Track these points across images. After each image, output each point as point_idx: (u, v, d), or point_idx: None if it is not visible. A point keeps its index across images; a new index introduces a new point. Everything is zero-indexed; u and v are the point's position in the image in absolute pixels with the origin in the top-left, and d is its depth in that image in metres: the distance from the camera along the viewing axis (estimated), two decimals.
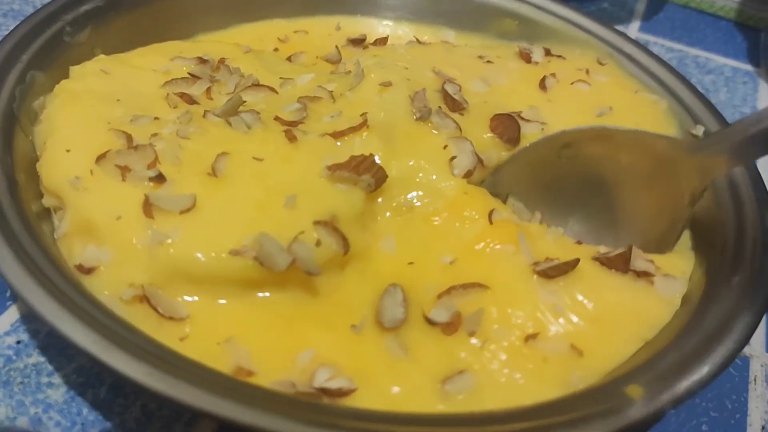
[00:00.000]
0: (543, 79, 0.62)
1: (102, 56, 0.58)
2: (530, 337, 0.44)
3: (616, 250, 0.48)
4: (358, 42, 0.70)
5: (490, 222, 0.49)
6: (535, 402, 0.41)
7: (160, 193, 0.45)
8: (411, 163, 0.52)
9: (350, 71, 0.58)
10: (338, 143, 0.52)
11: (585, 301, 0.45)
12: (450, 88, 0.57)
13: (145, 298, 0.44)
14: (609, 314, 0.45)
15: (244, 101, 0.54)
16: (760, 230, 0.50)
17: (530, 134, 0.57)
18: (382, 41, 0.68)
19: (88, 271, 0.45)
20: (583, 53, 0.69)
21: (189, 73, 0.57)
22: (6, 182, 0.45)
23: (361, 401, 0.41)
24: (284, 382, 0.41)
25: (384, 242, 0.50)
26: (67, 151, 0.48)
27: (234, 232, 0.44)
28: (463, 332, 0.45)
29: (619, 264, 0.47)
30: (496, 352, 0.44)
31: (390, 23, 0.76)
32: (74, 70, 0.56)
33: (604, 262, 0.47)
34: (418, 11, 0.76)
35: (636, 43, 0.69)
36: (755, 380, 0.53)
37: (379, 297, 0.46)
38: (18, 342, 0.47)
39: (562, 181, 0.54)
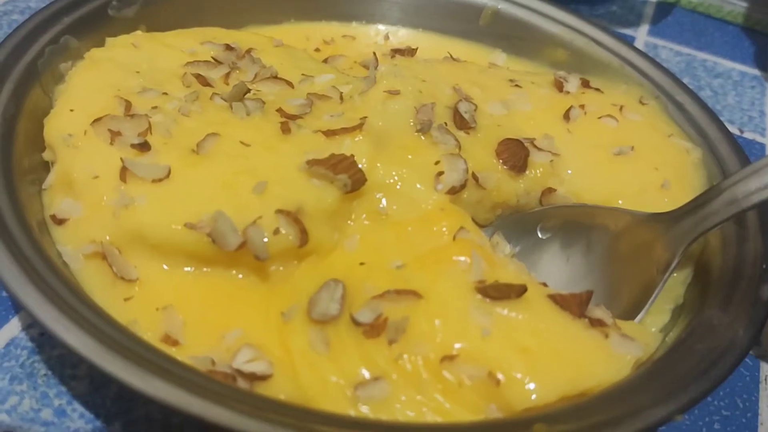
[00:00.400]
0: (569, 110, 0.60)
1: (138, 32, 0.61)
2: (447, 358, 0.42)
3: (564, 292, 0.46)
4: (402, 52, 0.70)
5: (453, 238, 0.48)
6: (443, 422, 0.40)
7: (137, 160, 0.47)
8: (396, 172, 0.51)
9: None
10: (329, 142, 0.52)
11: (521, 332, 0.42)
12: (462, 106, 0.56)
13: (103, 256, 0.46)
14: (542, 351, 0.41)
15: (250, 89, 0.55)
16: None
17: (539, 163, 0.56)
18: (411, 52, 0.68)
19: (60, 221, 0.47)
20: (627, 90, 0.66)
21: (213, 57, 0.59)
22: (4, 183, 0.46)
23: (274, 389, 0.41)
24: (204, 357, 0.42)
25: (348, 241, 0.50)
26: (71, 110, 0.51)
27: (195, 206, 0.46)
28: (384, 338, 0.43)
29: (574, 306, 0.44)
30: (413, 366, 0.42)
31: (440, 39, 0.75)
32: (109, 41, 0.59)
33: (559, 300, 0.45)
34: (472, 31, 0.76)
35: (688, 90, 0.66)
36: (766, 380, 0.54)
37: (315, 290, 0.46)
38: (41, 334, 0.48)
39: (542, 244, 0.55)
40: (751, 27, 1.00)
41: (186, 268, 0.46)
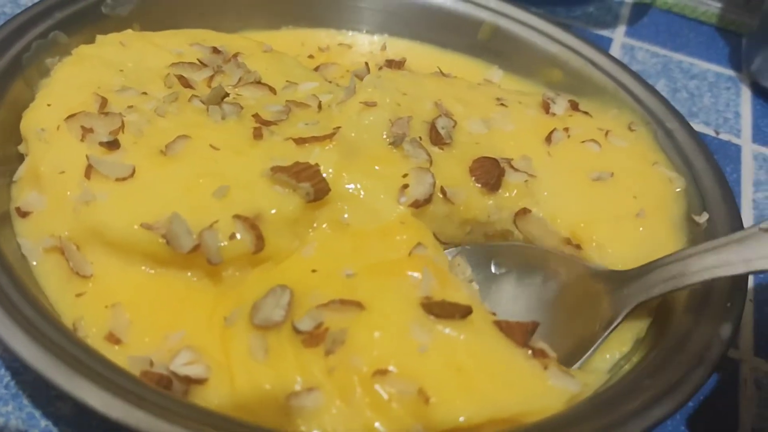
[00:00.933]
0: (551, 132, 0.59)
1: (129, 30, 0.62)
2: (380, 372, 0.41)
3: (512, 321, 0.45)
4: (396, 64, 0.70)
5: (409, 254, 0.48)
6: None
7: (103, 158, 0.48)
8: (361, 183, 0.51)
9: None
10: (298, 149, 0.52)
11: (459, 352, 0.42)
12: (440, 122, 0.56)
13: (61, 250, 0.46)
14: (477, 373, 0.41)
15: (228, 94, 0.56)
16: None
17: (513, 183, 0.55)
18: (398, 64, 0.68)
19: (24, 214, 0.48)
20: (618, 114, 0.65)
21: (198, 60, 0.60)
22: None
23: (208, 394, 0.41)
24: (143, 358, 0.42)
25: (306, 248, 0.50)
26: (48, 105, 0.52)
27: (155, 207, 0.46)
28: (322, 349, 0.42)
29: (518, 334, 0.43)
30: (346, 378, 0.41)
31: (437, 52, 0.75)
32: (99, 38, 0.60)
33: (504, 327, 0.44)
34: (470, 46, 0.75)
35: (680, 117, 0.64)
36: (745, 383, 0.56)
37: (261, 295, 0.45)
38: None
39: (495, 278, 0.54)
40: (724, 27, 1.00)
41: (141, 268, 0.47)
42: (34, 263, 0.47)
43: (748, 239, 0.45)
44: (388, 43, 0.75)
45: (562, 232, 0.54)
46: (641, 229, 0.54)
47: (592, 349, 0.49)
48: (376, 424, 0.40)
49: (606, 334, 0.49)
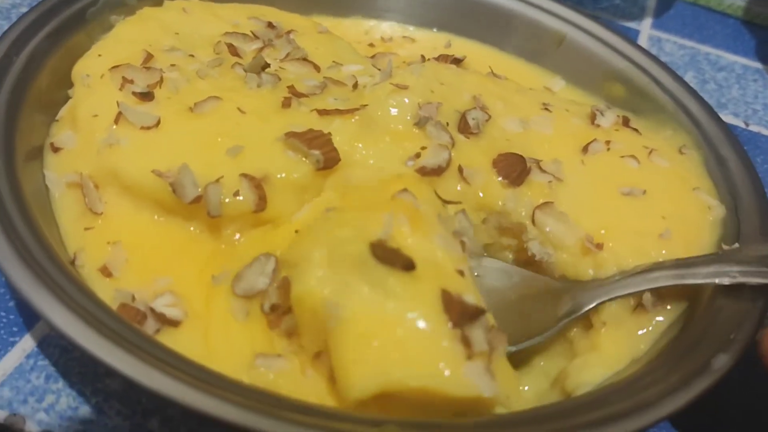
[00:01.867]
0: (590, 143, 0.57)
1: None
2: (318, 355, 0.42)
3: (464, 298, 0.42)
4: (452, 60, 0.70)
5: (392, 197, 0.46)
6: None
7: (133, 107, 0.50)
8: (374, 151, 0.51)
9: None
10: (319, 120, 0.52)
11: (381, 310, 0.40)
12: (472, 113, 0.55)
13: (80, 186, 0.49)
14: (389, 337, 0.39)
15: (270, 64, 0.57)
16: None
17: (537, 182, 0.53)
18: (454, 60, 0.68)
19: (56, 150, 0.52)
20: (672, 136, 0.62)
21: (252, 32, 0.62)
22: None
23: (178, 339, 0.43)
24: (126, 292, 0.44)
25: (299, 212, 0.50)
26: (99, 55, 0.56)
27: (168, 157, 0.48)
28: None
29: (455, 313, 0.40)
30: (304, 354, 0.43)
31: (500, 55, 0.74)
32: (166, 3, 0.64)
33: (446, 299, 0.40)
34: (536, 53, 0.74)
35: (738, 146, 0.61)
36: None
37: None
38: None
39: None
40: (750, 20, 1.00)
41: (149, 213, 0.49)
42: (56, 195, 0.50)
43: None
44: (452, 41, 0.75)
45: (582, 231, 0.52)
46: (663, 251, 0.51)
47: (544, 335, 0.48)
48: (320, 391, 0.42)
49: (562, 324, 0.48)
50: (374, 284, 0.40)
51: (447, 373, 0.38)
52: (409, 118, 0.53)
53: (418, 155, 0.51)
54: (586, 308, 0.49)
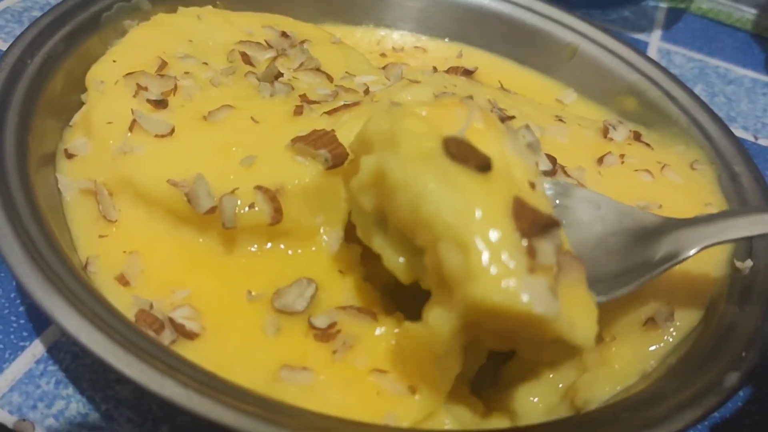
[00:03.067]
0: (605, 155, 0.58)
1: (209, 6, 0.65)
2: (377, 371, 0.43)
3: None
4: (463, 71, 0.70)
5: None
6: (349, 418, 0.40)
7: (148, 115, 0.51)
8: None
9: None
10: (330, 120, 0.52)
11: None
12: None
13: (94, 193, 0.49)
14: None
15: (283, 73, 0.57)
16: None
17: None
18: (465, 72, 0.68)
19: (70, 156, 0.52)
20: (685, 151, 0.63)
21: (266, 41, 0.62)
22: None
23: (194, 351, 0.43)
24: (145, 300, 0.44)
25: (331, 234, 0.50)
26: (114, 61, 0.56)
27: (183, 166, 0.48)
28: (330, 346, 0.44)
29: (526, 221, 0.36)
30: (343, 370, 0.43)
31: (512, 67, 0.75)
32: (181, 9, 0.64)
33: (518, 206, 0.37)
34: (548, 65, 0.74)
35: (749, 162, 0.61)
36: None
37: (289, 281, 0.47)
38: None
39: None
40: (760, 34, 1.01)
41: (163, 223, 0.49)
42: (68, 200, 0.50)
43: None
44: (464, 51, 0.75)
45: None
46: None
47: (642, 281, 0.45)
48: (362, 405, 0.42)
49: (662, 269, 0.45)
50: (443, 181, 0.38)
51: (505, 284, 0.35)
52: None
53: None
54: (688, 253, 0.45)
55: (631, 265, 0.46)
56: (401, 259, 0.43)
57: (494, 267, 0.35)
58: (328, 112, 0.53)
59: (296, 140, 0.49)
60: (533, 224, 0.37)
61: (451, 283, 0.37)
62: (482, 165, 0.38)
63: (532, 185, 0.40)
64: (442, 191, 0.37)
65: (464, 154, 0.38)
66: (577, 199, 0.49)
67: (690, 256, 0.46)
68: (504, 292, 0.35)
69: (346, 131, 0.50)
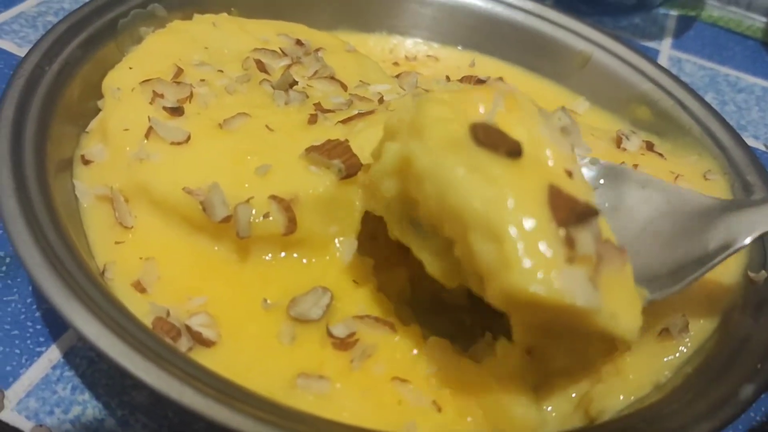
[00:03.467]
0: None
1: (224, 14, 0.65)
2: (399, 379, 0.43)
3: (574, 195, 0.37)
4: (480, 82, 0.70)
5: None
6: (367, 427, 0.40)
7: (164, 122, 0.51)
8: None
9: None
10: (345, 129, 0.53)
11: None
12: None
13: (110, 200, 0.50)
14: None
15: (297, 82, 0.58)
16: None
17: None
18: (478, 81, 0.68)
19: (86, 162, 0.52)
20: (698, 161, 0.63)
21: (280, 48, 0.62)
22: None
23: (210, 359, 0.43)
24: (161, 307, 0.44)
25: (345, 244, 0.50)
26: (130, 68, 0.56)
27: (199, 174, 0.48)
28: (348, 355, 0.45)
29: (563, 210, 0.35)
30: (362, 379, 0.44)
31: (524, 75, 0.75)
32: (196, 17, 0.64)
33: (553, 195, 0.36)
34: (560, 73, 0.74)
35: (762, 172, 0.61)
36: None
37: (304, 290, 0.47)
38: None
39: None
40: None
41: (179, 230, 0.49)
42: (85, 206, 0.50)
43: None
44: (477, 60, 0.75)
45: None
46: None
47: (700, 272, 0.44)
48: (381, 416, 0.42)
49: (720, 258, 0.44)
50: (472, 168, 0.36)
51: (541, 274, 0.34)
52: None
53: None
54: (744, 242, 0.43)
55: (683, 255, 0.45)
56: (440, 262, 0.42)
57: (530, 257, 0.34)
58: (343, 121, 0.53)
59: (310, 150, 0.49)
60: (570, 213, 0.36)
61: (485, 275, 0.36)
62: (512, 151, 0.37)
63: (569, 172, 0.39)
64: (471, 179, 0.36)
65: (493, 140, 0.37)
66: (622, 179, 0.48)
67: (746, 245, 0.44)
68: (541, 282, 0.34)
69: (361, 140, 0.50)
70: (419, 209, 0.41)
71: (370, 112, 0.53)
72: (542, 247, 0.35)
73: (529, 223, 0.35)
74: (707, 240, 0.45)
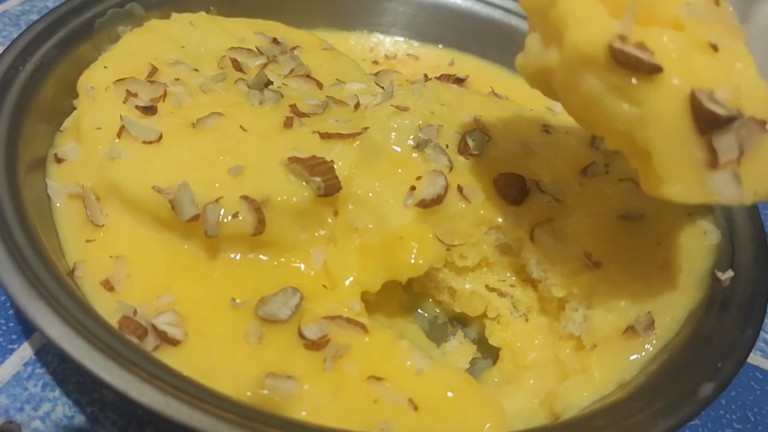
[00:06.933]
0: (589, 165, 0.58)
1: (202, 13, 0.66)
2: (374, 378, 0.44)
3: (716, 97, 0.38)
4: (454, 80, 0.70)
5: None
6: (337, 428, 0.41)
7: (136, 121, 0.51)
8: (373, 184, 0.52)
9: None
10: (321, 143, 0.53)
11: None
12: (473, 134, 0.56)
13: (82, 198, 0.50)
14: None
15: (272, 81, 0.58)
16: None
17: (537, 201, 0.54)
18: (456, 80, 0.69)
19: (59, 160, 0.53)
20: None
21: (257, 47, 0.63)
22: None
23: (176, 358, 0.43)
24: (129, 306, 0.45)
25: (314, 252, 0.51)
26: (105, 67, 0.57)
27: (169, 173, 0.49)
28: (321, 355, 0.45)
29: (702, 121, 0.37)
30: (336, 378, 0.44)
31: (503, 74, 0.75)
32: (174, 15, 0.64)
33: (695, 106, 0.37)
34: None
35: None
36: None
37: (273, 290, 0.48)
38: None
39: None
40: None
41: (149, 229, 0.49)
42: (57, 204, 0.51)
43: None
44: (456, 58, 0.75)
45: (581, 248, 0.52)
46: (655, 276, 0.52)
47: None
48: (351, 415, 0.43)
49: None
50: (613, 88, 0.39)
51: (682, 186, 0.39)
52: (410, 141, 0.54)
53: (413, 188, 0.51)
54: None
55: None
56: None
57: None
58: (321, 135, 0.53)
59: (293, 161, 0.50)
60: (710, 123, 0.37)
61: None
62: (653, 69, 0.38)
63: (714, 47, 0.39)
64: (613, 99, 0.39)
65: (632, 62, 0.38)
66: None
67: None
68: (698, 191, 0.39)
69: (340, 164, 0.51)
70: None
71: (351, 136, 0.53)
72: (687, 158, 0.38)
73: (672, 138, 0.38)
74: None
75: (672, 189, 0.39)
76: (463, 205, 0.53)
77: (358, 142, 0.53)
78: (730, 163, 0.38)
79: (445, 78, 0.69)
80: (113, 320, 0.44)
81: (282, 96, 0.57)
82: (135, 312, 0.45)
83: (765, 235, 0.55)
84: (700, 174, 0.38)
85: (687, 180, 0.39)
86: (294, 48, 0.64)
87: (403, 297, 0.57)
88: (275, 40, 0.64)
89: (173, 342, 0.44)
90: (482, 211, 0.53)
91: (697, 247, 0.55)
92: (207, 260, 0.49)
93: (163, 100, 0.54)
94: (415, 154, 0.53)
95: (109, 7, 0.61)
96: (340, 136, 0.53)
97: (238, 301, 0.47)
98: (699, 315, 0.49)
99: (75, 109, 0.56)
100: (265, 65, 0.61)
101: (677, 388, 0.44)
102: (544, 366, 0.53)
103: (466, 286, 0.57)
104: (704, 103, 0.37)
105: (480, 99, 0.63)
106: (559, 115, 0.70)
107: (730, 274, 0.52)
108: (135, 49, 0.59)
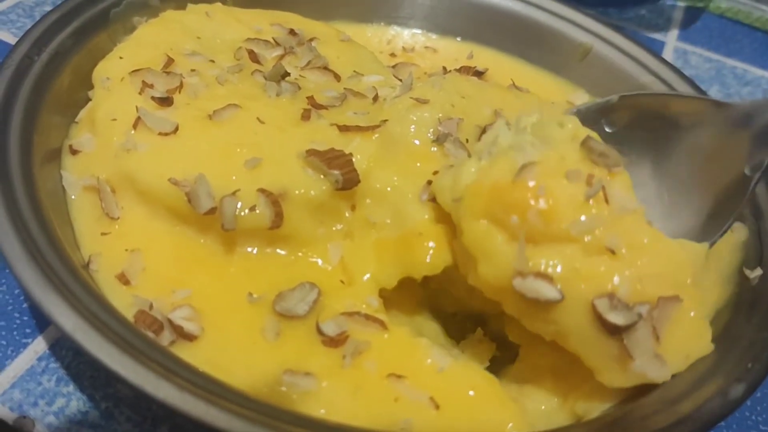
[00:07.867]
0: None
1: (218, 3, 0.65)
2: (394, 375, 0.43)
3: None
4: (474, 72, 0.69)
5: None
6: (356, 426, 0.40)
7: (152, 112, 0.50)
8: (391, 179, 0.51)
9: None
10: (340, 136, 0.52)
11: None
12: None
13: (97, 190, 0.49)
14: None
15: (290, 73, 0.57)
16: None
17: None
18: (476, 72, 0.67)
19: (74, 152, 0.52)
20: None
21: (273, 38, 0.62)
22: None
23: (192, 353, 0.42)
24: (144, 299, 0.44)
25: (331, 247, 0.50)
26: (120, 57, 0.56)
27: (186, 165, 0.48)
28: (339, 352, 0.44)
29: None
30: (356, 375, 0.43)
31: (523, 67, 0.74)
32: (189, 6, 0.64)
33: None
34: (560, 65, 0.73)
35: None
36: None
37: (290, 285, 0.47)
38: None
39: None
40: None
41: (165, 222, 0.49)
42: (72, 197, 0.50)
43: None
44: (475, 51, 0.74)
45: None
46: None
47: (744, 198, 0.47)
48: (372, 413, 0.42)
49: (759, 176, 0.44)
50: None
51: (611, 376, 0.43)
52: (429, 134, 0.52)
53: (430, 183, 0.50)
54: None
55: (716, 176, 0.46)
56: None
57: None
58: (340, 128, 0.52)
59: (312, 153, 0.49)
60: (614, 330, 0.41)
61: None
62: (554, 302, 0.41)
63: (610, 250, 0.41)
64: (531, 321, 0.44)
65: (530, 299, 0.41)
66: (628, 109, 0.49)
67: None
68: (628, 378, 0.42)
69: (358, 158, 0.50)
70: None
71: (370, 129, 0.52)
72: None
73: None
74: (746, 156, 0.45)
75: (604, 379, 0.43)
76: None
77: (377, 135, 0.52)
78: (645, 352, 0.41)
79: (464, 71, 0.68)
80: (129, 314, 0.43)
81: (299, 88, 0.56)
82: (151, 306, 0.44)
83: None
84: (624, 365, 0.41)
85: (614, 371, 0.42)
86: (311, 39, 0.63)
87: (421, 293, 0.55)
88: (292, 32, 0.63)
89: (189, 337, 0.43)
90: None
91: (723, 244, 0.53)
92: (223, 254, 0.48)
93: (179, 92, 0.53)
94: (434, 148, 0.52)
95: None
96: (359, 128, 0.52)
97: (255, 296, 0.46)
98: (727, 314, 0.48)
99: (90, 100, 0.56)
100: (282, 57, 0.60)
101: (707, 389, 0.42)
102: (565, 365, 0.52)
103: None
104: (603, 315, 0.40)
105: (500, 92, 0.62)
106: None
107: (759, 272, 0.51)
108: (151, 39, 0.58)
